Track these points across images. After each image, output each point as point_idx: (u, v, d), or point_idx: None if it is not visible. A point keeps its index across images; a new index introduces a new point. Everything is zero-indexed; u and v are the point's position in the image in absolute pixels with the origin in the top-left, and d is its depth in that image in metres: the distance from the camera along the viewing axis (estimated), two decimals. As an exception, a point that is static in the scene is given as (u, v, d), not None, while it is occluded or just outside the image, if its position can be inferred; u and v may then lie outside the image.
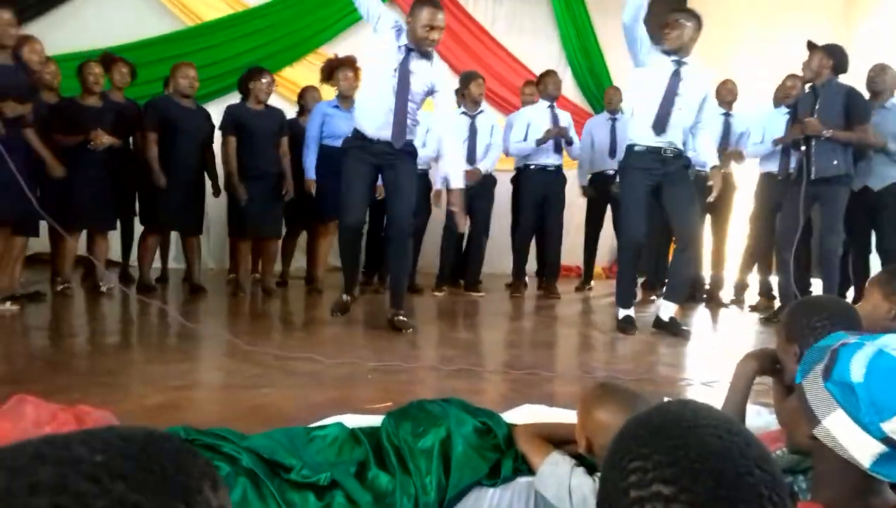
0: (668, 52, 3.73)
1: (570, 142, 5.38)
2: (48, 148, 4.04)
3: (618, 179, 4.31)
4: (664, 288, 4.29)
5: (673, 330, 3.84)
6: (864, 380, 0.85)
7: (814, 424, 0.90)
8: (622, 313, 3.94)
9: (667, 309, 3.94)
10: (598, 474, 1.41)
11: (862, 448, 0.85)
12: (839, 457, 0.88)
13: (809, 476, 1.40)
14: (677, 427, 0.60)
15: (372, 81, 3.53)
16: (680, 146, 3.84)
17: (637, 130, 3.84)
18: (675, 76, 3.73)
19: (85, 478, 0.42)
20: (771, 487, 0.57)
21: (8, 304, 3.68)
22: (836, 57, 4.07)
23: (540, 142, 5.21)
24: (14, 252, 3.95)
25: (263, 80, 4.64)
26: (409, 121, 3.52)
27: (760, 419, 1.90)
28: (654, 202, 3.91)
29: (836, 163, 4.03)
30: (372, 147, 3.50)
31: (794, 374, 1.49)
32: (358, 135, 3.55)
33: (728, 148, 5.26)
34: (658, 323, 3.94)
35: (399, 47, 3.41)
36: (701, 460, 0.57)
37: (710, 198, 4.15)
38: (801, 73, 4.94)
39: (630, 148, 3.86)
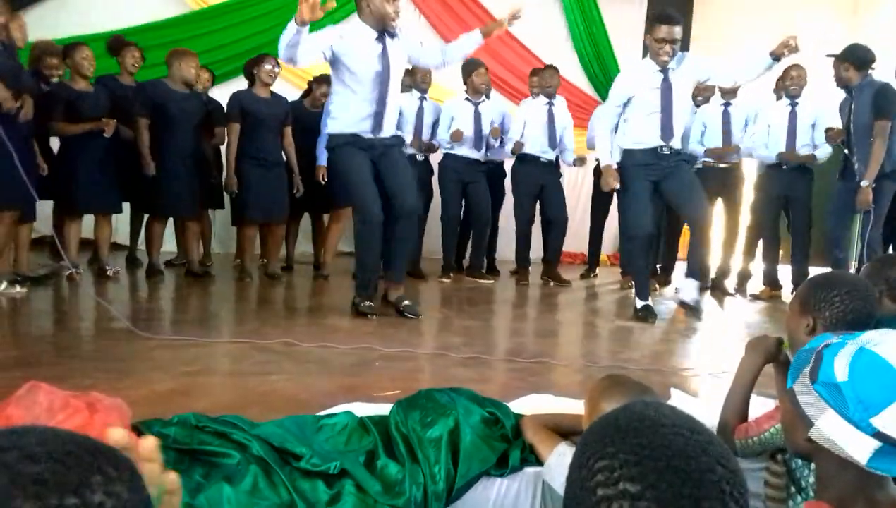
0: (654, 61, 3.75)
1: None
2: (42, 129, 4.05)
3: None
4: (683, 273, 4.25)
5: (691, 311, 3.98)
6: (848, 379, 0.87)
7: (808, 427, 0.92)
8: (640, 303, 3.99)
9: (690, 289, 3.99)
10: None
11: (857, 446, 0.86)
12: (837, 457, 0.89)
13: (812, 464, 1.42)
14: (642, 426, 0.62)
15: (353, 80, 3.46)
16: (678, 146, 3.89)
17: (634, 136, 3.84)
18: (665, 83, 3.75)
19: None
20: (732, 484, 0.59)
21: (17, 288, 3.70)
22: (851, 57, 4.09)
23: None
24: (21, 238, 3.98)
25: (266, 66, 4.62)
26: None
27: (766, 410, 1.91)
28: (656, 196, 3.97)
29: (881, 161, 4.09)
30: (363, 144, 3.51)
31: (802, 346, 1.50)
32: (347, 136, 3.51)
33: (731, 141, 5.21)
34: (681, 303, 4.08)
35: (373, 38, 3.43)
36: (665, 458, 0.59)
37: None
38: (802, 64, 4.96)
39: (628, 151, 3.88)
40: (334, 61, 3.46)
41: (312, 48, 3.29)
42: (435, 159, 5.49)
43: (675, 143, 3.84)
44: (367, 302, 3.59)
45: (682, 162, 3.95)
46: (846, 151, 4.32)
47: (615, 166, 3.91)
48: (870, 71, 4.18)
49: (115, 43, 4.67)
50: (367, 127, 3.50)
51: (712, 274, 5.51)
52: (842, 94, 4.46)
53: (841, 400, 0.87)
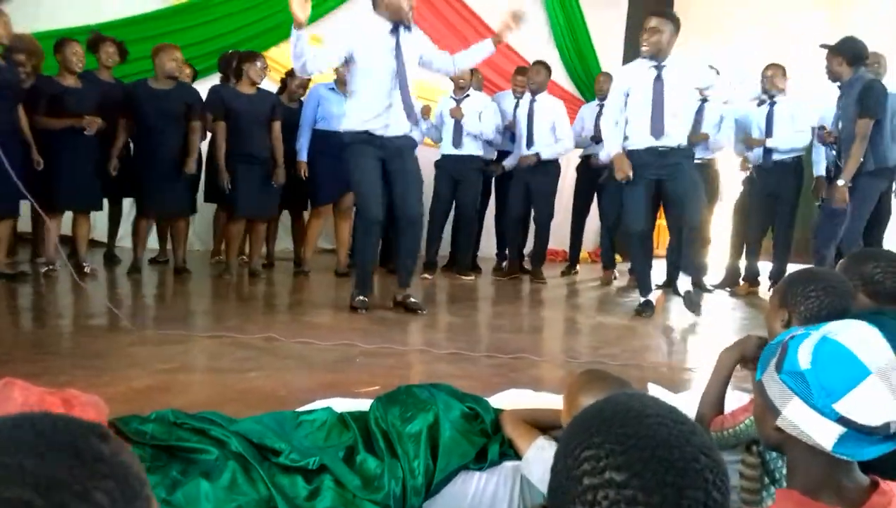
0: (648, 58, 3.80)
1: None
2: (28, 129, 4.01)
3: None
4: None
5: (688, 304, 3.95)
6: (811, 367, 0.89)
7: (776, 415, 0.94)
8: (643, 299, 4.06)
9: (686, 283, 4.02)
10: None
11: (822, 432, 0.88)
12: (805, 445, 0.91)
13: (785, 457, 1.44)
14: (627, 417, 0.64)
15: (369, 76, 3.50)
16: (680, 142, 3.89)
17: (632, 137, 3.90)
18: (658, 81, 3.79)
19: None
20: (715, 473, 0.61)
21: (-9, 285, 3.66)
22: (846, 51, 4.06)
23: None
24: (1, 234, 3.93)
25: (258, 64, 4.60)
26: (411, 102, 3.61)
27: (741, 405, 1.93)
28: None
29: (861, 160, 4.05)
30: (376, 142, 3.55)
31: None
32: (360, 133, 3.56)
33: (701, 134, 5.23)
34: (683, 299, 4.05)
35: (387, 31, 3.46)
36: (650, 448, 0.60)
37: None
38: (782, 63, 5.01)
39: (628, 152, 3.92)
40: (348, 61, 3.51)
41: (326, 60, 3.46)
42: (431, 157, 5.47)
43: (672, 141, 3.83)
44: (361, 297, 3.64)
45: (683, 159, 3.95)
46: (835, 149, 4.30)
47: (577, 153, 3.99)
48: (862, 67, 4.17)
49: (93, 39, 4.61)
50: (380, 124, 3.53)
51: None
52: (821, 88, 4.47)
53: (805, 388, 0.90)
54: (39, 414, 0.50)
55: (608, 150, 4.10)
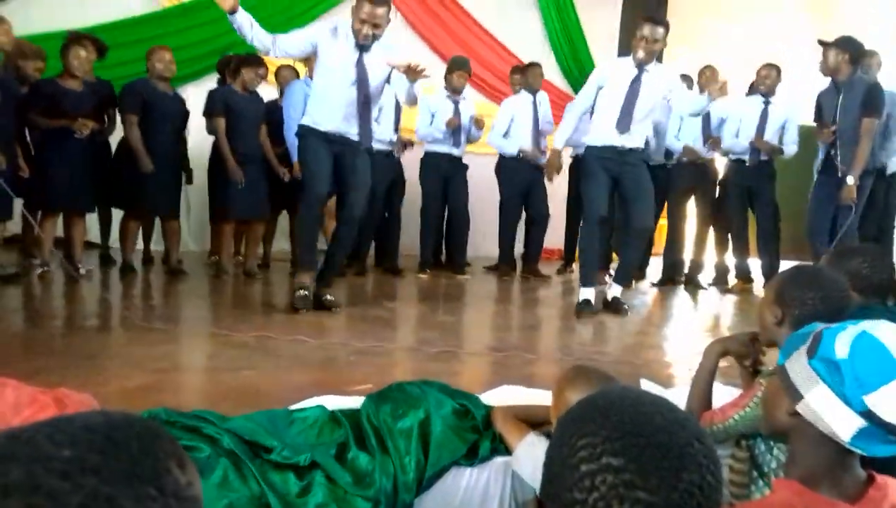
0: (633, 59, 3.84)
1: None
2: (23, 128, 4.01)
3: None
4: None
5: (615, 309, 3.96)
6: (848, 357, 0.90)
7: (796, 400, 0.95)
8: (583, 294, 3.98)
9: (614, 290, 4.06)
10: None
11: (843, 423, 0.89)
12: (817, 434, 0.92)
13: (774, 450, 1.45)
14: (623, 406, 0.65)
15: (328, 80, 3.53)
16: (640, 145, 3.97)
17: (596, 131, 3.95)
18: (637, 82, 3.82)
19: (56, 476, 0.43)
20: (709, 458, 0.62)
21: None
22: (850, 47, 4.10)
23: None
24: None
25: (260, 71, 4.68)
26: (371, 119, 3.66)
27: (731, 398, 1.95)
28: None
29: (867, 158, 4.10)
30: (330, 137, 3.56)
31: (770, 333, 1.53)
32: (314, 129, 3.56)
33: (710, 136, 5.29)
34: (605, 303, 4.04)
35: (353, 45, 3.47)
36: (647, 434, 0.62)
37: None
38: (775, 63, 5.04)
39: (589, 147, 3.98)
40: (316, 56, 3.54)
41: (292, 43, 3.44)
42: (413, 155, 5.49)
43: (633, 142, 3.89)
44: (301, 291, 3.53)
45: (641, 162, 4.02)
46: (830, 146, 4.31)
47: (567, 153, 4.11)
48: (860, 67, 4.19)
49: (71, 39, 4.58)
50: (333, 128, 3.54)
51: (685, 269, 5.58)
52: (808, 90, 4.49)
53: (837, 377, 0.91)
54: (124, 420, 0.49)
55: (556, 139, 4.15)
